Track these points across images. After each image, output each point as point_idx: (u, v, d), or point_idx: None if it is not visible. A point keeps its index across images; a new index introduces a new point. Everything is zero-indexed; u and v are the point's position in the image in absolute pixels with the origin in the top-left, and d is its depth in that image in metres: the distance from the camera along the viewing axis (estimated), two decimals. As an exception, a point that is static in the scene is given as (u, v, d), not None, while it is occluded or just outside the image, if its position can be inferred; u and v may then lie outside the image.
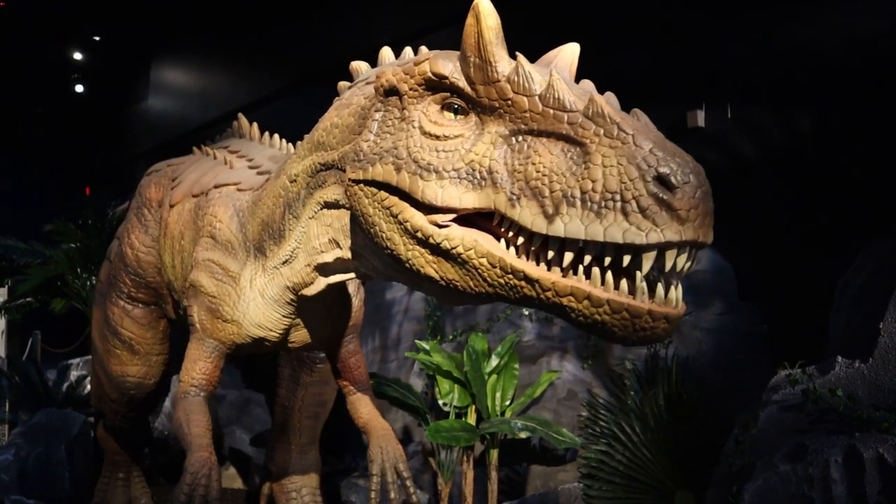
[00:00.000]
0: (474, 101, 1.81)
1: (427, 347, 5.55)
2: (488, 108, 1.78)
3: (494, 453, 5.30)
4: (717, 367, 5.15)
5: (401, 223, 1.90)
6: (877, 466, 3.24)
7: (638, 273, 1.55)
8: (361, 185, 2.02)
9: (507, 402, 5.56)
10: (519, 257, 1.71)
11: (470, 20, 1.73)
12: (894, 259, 4.08)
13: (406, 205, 1.89)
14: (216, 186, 3.24)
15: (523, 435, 5.09)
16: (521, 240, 1.70)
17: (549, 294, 1.64)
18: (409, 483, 3.05)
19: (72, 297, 8.21)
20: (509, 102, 1.72)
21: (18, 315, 9.02)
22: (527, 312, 6.19)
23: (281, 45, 10.89)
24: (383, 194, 1.95)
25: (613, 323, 1.57)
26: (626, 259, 1.54)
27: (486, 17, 1.71)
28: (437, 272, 1.86)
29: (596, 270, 1.59)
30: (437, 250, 1.84)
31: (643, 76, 5.56)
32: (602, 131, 1.59)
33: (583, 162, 1.59)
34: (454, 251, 1.80)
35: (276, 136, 3.80)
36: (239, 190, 3.12)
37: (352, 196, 2.08)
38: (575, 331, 5.90)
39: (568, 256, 1.61)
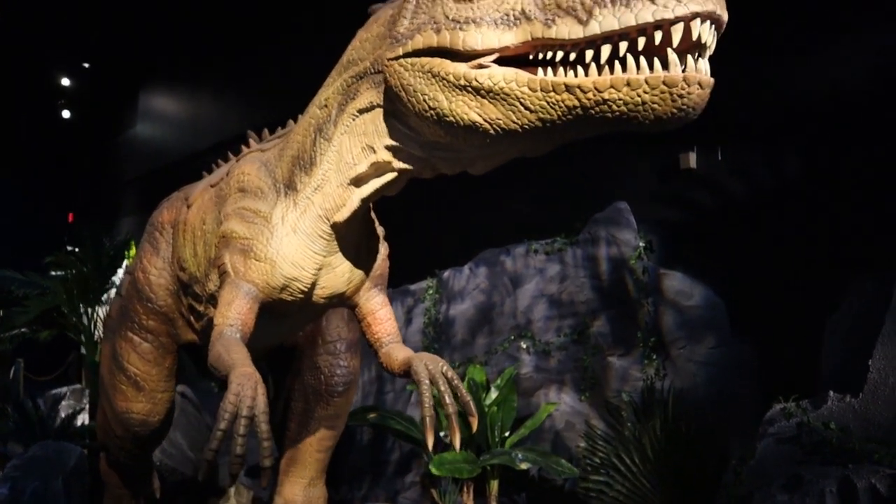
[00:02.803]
0: None
1: (426, 379, 5.63)
2: None
3: (495, 484, 5.39)
4: (712, 399, 5.30)
5: (443, 78, 2.03)
6: (870, 497, 3.41)
7: (669, 50, 1.71)
8: (401, 59, 2.17)
9: (507, 434, 5.66)
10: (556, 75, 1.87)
11: None
12: (881, 296, 4.27)
13: (447, 61, 2.02)
14: (237, 161, 3.32)
15: (524, 466, 5.19)
16: (559, 55, 1.83)
17: (590, 95, 1.76)
18: (461, 387, 2.86)
19: (67, 327, 8.16)
20: None
21: (11, 346, 8.95)
22: (524, 346, 6.33)
23: (271, 76, 11.02)
24: (424, 60, 2.08)
25: (654, 100, 1.70)
26: (658, 35, 1.70)
27: None
28: (480, 115, 1.98)
29: (630, 60, 1.73)
30: (479, 92, 1.95)
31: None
32: None
33: None
34: (497, 86, 1.91)
35: None
36: (262, 150, 3.20)
37: (392, 75, 2.20)
38: (572, 363, 6.04)
39: (606, 49, 1.75)
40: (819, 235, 5.14)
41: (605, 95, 1.73)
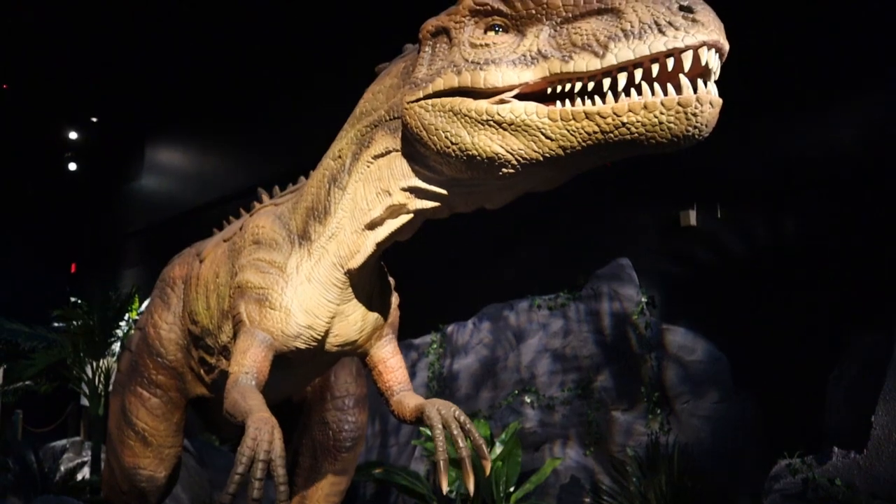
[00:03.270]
0: (513, 16, 2.13)
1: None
2: (526, 17, 2.10)
3: (500, 540, 5.35)
4: (717, 454, 5.32)
5: (465, 115, 2.13)
6: (878, 555, 3.42)
7: (681, 75, 1.81)
8: (422, 101, 2.26)
9: (512, 489, 5.64)
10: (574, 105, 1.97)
11: None
12: (882, 352, 4.34)
13: (468, 99, 2.11)
14: (250, 216, 3.36)
15: (530, 522, 5.17)
16: (578, 86, 1.93)
17: (609, 120, 1.87)
18: (474, 431, 2.84)
19: (71, 380, 8.15)
20: (545, 6, 2.05)
21: (14, 399, 8.93)
22: (528, 400, 6.35)
23: (275, 131, 11.24)
24: (445, 100, 2.19)
25: (670, 120, 1.81)
26: (670, 62, 1.81)
27: None
28: (502, 146, 2.07)
29: (644, 86, 1.84)
30: (501, 125, 2.06)
31: (639, 178, 5.92)
32: None
33: (617, 18, 1.88)
34: (518, 119, 2.02)
35: None
36: (276, 205, 3.25)
37: (412, 117, 2.29)
38: (576, 417, 6.06)
39: (622, 77, 1.85)
40: (820, 292, 5.24)
41: (624, 119, 1.85)
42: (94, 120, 14.93)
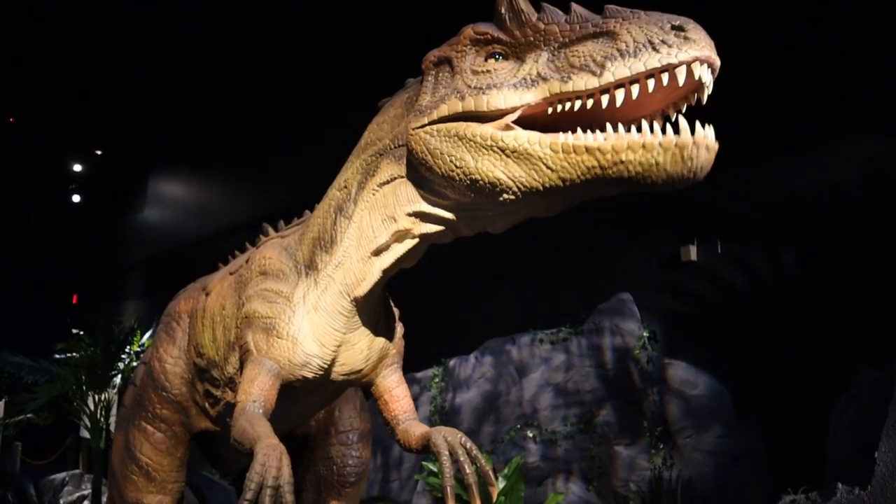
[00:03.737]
0: (512, 44, 2.19)
1: (434, 468, 5.63)
2: (525, 44, 2.16)
3: (503, 577, 5.31)
4: (720, 488, 5.31)
5: (470, 139, 2.19)
6: (884, 593, 3.41)
7: (680, 118, 1.89)
8: (427, 126, 2.33)
9: (515, 525, 5.61)
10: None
11: None
12: (884, 389, 4.36)
13: (473, 123, 2.19)
14: (256, 248, 3.40)
15: (533, 559, 5.14)
16: (577, 105, 2.01)
17: (608, 156, 1.92)
18: (480, 457, 2.84)
19: (73, 414, 8.13)
20: (543, 32, 2.14)
21: (15, 431, 8.90)
22: (531, 434, 6.35)
23: (277, 165, 11.35)
24: (450, 124, 2.25)
25: (667, 161, 1.85)
26: (665, 77, 1.85)
27: None
28: (504, 173, 2.12)
29: (644, 124, 1.91)
30: (504, 151, 2.12)
31: (639, 213, 5.99)
32: (621, 17, 1.98)
33: (612, 40, 1.96)
34: (521, 147, 2.08)
35: None
36: (282, 237, 3.29)
37: (417, 142, 2.36)
38: (579, 452, 6.05)
39: (620, 94, 1.92)
40: (821, 327, 5.28)
41: (623, 157, 1.91)
42: (99, 153, 15.07)
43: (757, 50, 5.79)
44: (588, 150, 1.97)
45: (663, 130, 1.87)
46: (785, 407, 5.31)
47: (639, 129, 1.90)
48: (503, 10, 2.21)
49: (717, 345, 5.79)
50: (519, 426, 6.47)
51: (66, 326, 13.17)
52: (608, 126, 1.96)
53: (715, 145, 1.87)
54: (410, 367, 7.21)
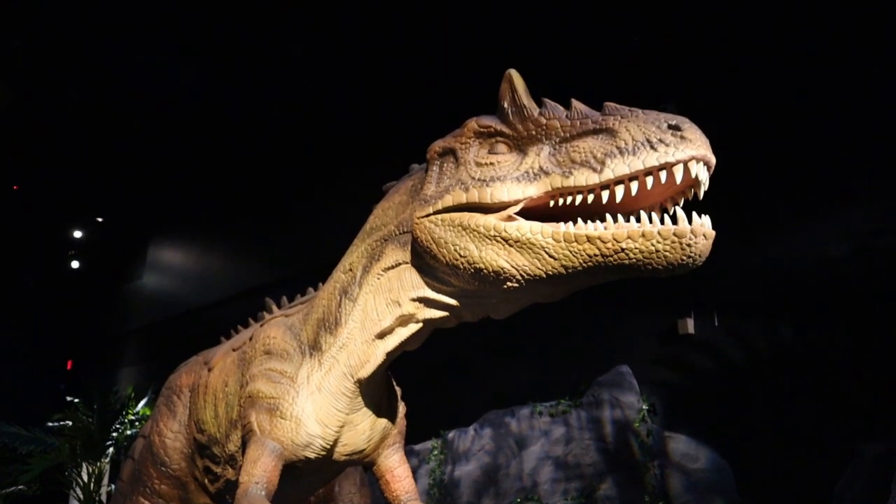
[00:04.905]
0: (515, 137, 2.29)
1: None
2: (527, 137, 2.26)
3: None
4: (723, 568, 5.22)
5: (474, 230, 2.26)
6: None
7: (677, 208, 2.00)
8: (432, 216, 2.39)
9: None
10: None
11: (504, 85, 2.28)
12: (887, 462, 4.36)
13: (477, 214, 2.27)
14: (260, 326, 3.40)
15: None
16: (578, 199, 2.07)
17: (609, 245, 2.00)
18: None
19: (65, 484, 7.99)
20: (545, 127, 2.23)
21: (3, 503, 8.71)
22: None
23: (277, 234, 11.46)
24: (454, 215, 2.33)
25: (666, 249, 1.94)
26: (663, 175, 1.94)
27: (516, 79, 2.28)
28: (508, 262, 2.19)
29: (643, 215, 2.00)
30: (508, 241, 2.19)
31: (636, 286, 6.06)
32: (620, 115, 2.09)
33: (611, 137, 2.05)
34: (524, 237, 2.16)
35: None
36: (286, 315, 3.31)
37: (422, 231, 2.43)
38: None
39: (619, 190, 2.00)
40: (821, 400, 5.30)
41: (623, 245, 2.00)
42: (100, 220, 15.22)
43: (752, 124, 5.99)
44: (589, 238, 2.06)
45: (662, 221, 1.98)
46: (787, 481, 5.28)
47: (638, 220, 2.01)
48: (506, 105, 2.32)
49: (717, 418, 5.79)
50: (519, 500, 6.39)
51: (59, 393, 13.05)
52: (608, 217, 2.05)
53: (712, 233, 1.98)
54: (409, 439, 7.12)
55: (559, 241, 2.11)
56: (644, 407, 6.04)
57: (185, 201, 13.59)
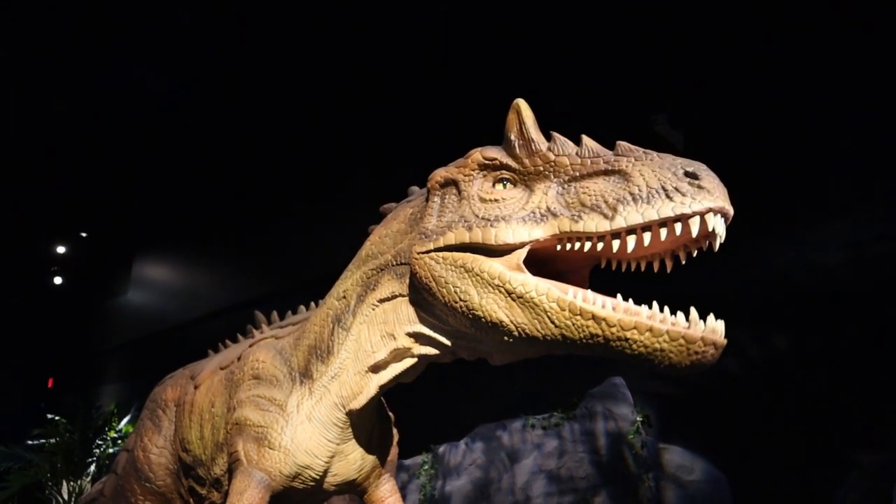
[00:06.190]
0: (521, 171, 2.16)
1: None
2: (534, 173, 2.13)
3: None
4: (721, 582, 5.14)
5: (477, 275, 2.12)
6: None
7: (692, 309, 1.84)
8: (432, 253, 2.27)
9: None
10: (585, 301, 1.95)
11: (511, 115, 2.16)
12: (886, 471, 4.32)
13: (481, 257, 2.13)
14: (250, 346, 3.30)
15: None
16: (587, 246, 1.96)
17: (613, 330, 1.87)
18: None
19: (44, 502, 7.80)
20: (553, 163, 2.10)
21: (-18, 523, 8.49)
22: (523, 523, 6.14)
23: (262, 249, 11.36)
24: (456, 255, 2.19)
25: (671, 350, 1.80)
26: (678, 227, 1.83)
27: (524, 109, 2.15)
28: (508, 316, 2.06)
29: (656, 306, 1.86)
30: (511, 295, 2.05)
31: (630, 296, 6.01)
32: (633, 157, 1.97)
33: (624, 180, 1.94)
34: (528, 295, 2.02)
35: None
36: (277, 338, 3.21)
37: (422, 267, 2.29)
38: (574, 543, 5.86)
39: (631, 240, 1.88)
40: (817, 410, 5.25)
41: (627, 335, 1.85)
42: (84, 235, 15.07)
43: (746, 134, 5.98)
44: (595, 317, 1.93)
45: (673, 312, 1.84)
46: (784, 491, 5.21)
47: (650, 306, 1.88)
48: (513, 137, 2.19)
49: (712, 429, 5.72)
50: (511, 515, 6.28)
51: (39, 411, 12.83)
52: (619, 296, 1.94)
53: (723, 342, 1.85)
54: (399, 454, 7.06)
55: (563, 310, 1.98)
56: (638, 419, 5.96)
57: (170, 216, 13.49)
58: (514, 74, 6.96)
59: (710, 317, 1.81)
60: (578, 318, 1.95)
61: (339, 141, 9.77)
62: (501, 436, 6.69)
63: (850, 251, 5.36)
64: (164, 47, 9.21)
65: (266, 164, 11.17)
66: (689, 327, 1.83)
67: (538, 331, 2.04)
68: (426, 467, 7.00)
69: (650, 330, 1.83)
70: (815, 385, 5.30)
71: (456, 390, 7.43)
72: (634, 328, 1.85)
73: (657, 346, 1.82)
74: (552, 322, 2.00)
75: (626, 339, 1.86)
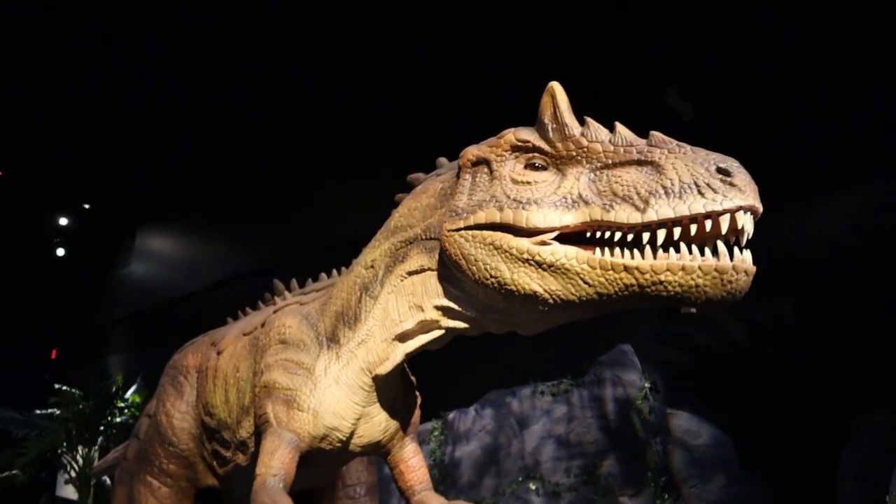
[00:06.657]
0: (554, 155, 2.19)
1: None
2: (566, 158, 2.16)
3: None
4: (727, 540, 5.29)
5: (506, 251, 2.16)
6: None
7: (719, 242, 1.90)
8: (462, 231, 2.29)
9: (521, 581, 5.53)
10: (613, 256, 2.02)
11: (545, 98, 2.18)
12: (890, 434, 4.43)
13: (509, 235, 2.16)
14: (274, 312, 3.35)
15: None
16: (617, 236, 1.98)
17: (647, 276, 1.92)
18: None
19: (60, 468, 7.92)
20: (585, 149, 2.13)
21: (-1, 489, 8.63)
22: (533, 487, 6.29)
23: (266, 219, 11.39)
24: (486, 233, 2.22)
25: (706, 284, 1.87)
26: (708, 224, 1.87)
27: (558, 93, 2.17)
28: (541, 286, 2.10)
29: (683, 246, 1.91)
30: (541, 266, 2.10)
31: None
32: (667, 149, 2.01)
33: (656, 172, 1.97)
34: (558, 262, 2.07)
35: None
36: (301, 304, 3.27)
37: (452, 244, 2.33)
38: (583, 504, 6.01)
39: (661, 233, 1.92)
40: (823, 374, 5.36)
41: (662, 277, 1.91)
42: (87, 206, 15.05)
43: (754, 103, 6.01)
44: (627, 268, 1.98)
45: (702, 251, 1.90)
46: (789, 454, 5.34)
47: (677, 250, 1.92)
48: (546, 121, 2.21)
49: (718, 394, 5.84)
50: (521, 479, 6.42)
51: (43, 382, 12.94)
52: (647, 247, 1.97)
53: (753, 269, 1.91)
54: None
55: (595, 269, 2.03)
56: (646, 385, 6.08)
57: (173, 187, 13.43)
58: (533, 48, 6.91)
59: (735, 249, 1.89)
60: (611, 272, 2.00)
61: (341, 113, 9.75)
62: (511, 402, 6.81)
63: (857, 219, 5.44)
64: (170, 12, 9.12)
65: (269, 137, 11.13)
66: (719, 260, 1.90)
67: (573, 294, 2.08)
68: (436, 433, 7.13)
69: (683, 269, 1.89)
70: (821, 350, 5.41)
71: (466, 358, 7.52)
72: (667, 270, 1.91)
73: (692, 282, 1.88)
74: (585, 283, 2.05)
75: (662, 283, 1.92)
